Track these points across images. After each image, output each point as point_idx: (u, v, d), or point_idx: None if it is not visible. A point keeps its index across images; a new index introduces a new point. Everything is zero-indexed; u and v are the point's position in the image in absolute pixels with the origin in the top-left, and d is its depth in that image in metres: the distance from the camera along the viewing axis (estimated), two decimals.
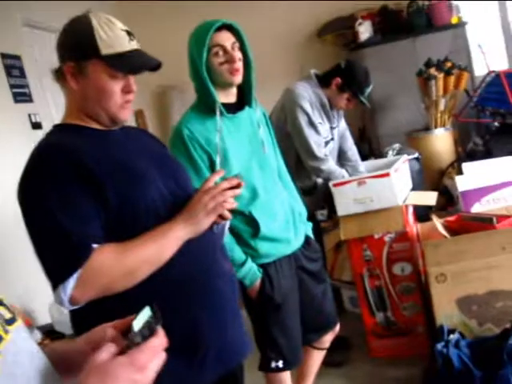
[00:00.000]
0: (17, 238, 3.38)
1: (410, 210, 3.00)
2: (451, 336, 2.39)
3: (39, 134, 3.73)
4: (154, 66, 1.41)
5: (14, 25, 4.02)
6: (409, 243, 2.83)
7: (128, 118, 1.45)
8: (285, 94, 3.01)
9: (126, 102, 1.41)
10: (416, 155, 3.71)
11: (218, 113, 1.98)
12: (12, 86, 3.82)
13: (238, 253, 2.00)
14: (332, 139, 3.08)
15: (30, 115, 3.94)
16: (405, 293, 2.84)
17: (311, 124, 2.90)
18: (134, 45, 1.38)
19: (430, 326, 2.68)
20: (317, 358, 2.44)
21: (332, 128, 3.07)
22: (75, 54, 1.36)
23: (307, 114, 2.90)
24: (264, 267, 2.06)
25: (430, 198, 3.08)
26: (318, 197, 3.14)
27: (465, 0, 5.56)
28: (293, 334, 2.15)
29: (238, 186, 1.45)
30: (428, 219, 3.00)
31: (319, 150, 2.92)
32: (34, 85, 4.08)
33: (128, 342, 0.73)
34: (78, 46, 1.36)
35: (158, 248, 1.34)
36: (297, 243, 2.18)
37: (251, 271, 2.02)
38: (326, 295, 2.32)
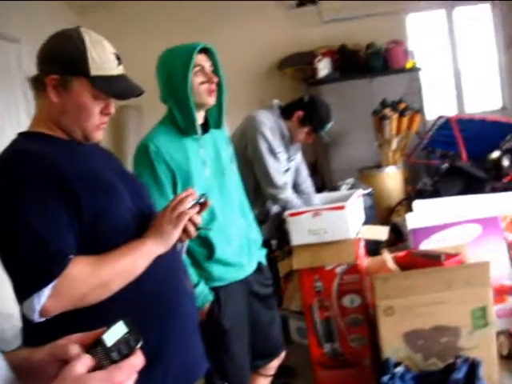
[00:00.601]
0: None
1: (362, 243, 3.04)
2: (397, 369, 2.43)
3: None
4: (138, 94, 1.42)
5: None
6: (359, 276, 2.86)
7: (100, 139, 1.45)
8: (246, 121, 3.03)
9: (102, 124, 1.41)
10: (369, 190, 3.79)
11: (199, 132, 2.01)
12: None
13: (191, 274, 1.98)
14: (288, 169, 3.12)
15: None
16: (353, 325, 2.86)
17: (271, 152, 2.93)
18: (121, 69, 1.40)
19: (377, 358, 2.71)
20: None
21: (289, 159, 3.11)
22: (62, 68, 1.34)
23: (268, 142, 2.92)
24: (215, 291, 2.06)
25: (381, 232, 3.14)
26: (271, 225, 3.16)
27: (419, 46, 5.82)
28: (239, 359, 2.13)
29: (205, 205, 1.45)
30: (378, 253, 3.06)
31: (279, 178, 2.94)
32: None
33: (101, 356, 0.71)
34: (67, 62, 1.34)
35: (131, 262, 1.34)
36: (250, 268, 2.18)
37: (203, 293, 2.01)
38: (273, 321, 2.33)
